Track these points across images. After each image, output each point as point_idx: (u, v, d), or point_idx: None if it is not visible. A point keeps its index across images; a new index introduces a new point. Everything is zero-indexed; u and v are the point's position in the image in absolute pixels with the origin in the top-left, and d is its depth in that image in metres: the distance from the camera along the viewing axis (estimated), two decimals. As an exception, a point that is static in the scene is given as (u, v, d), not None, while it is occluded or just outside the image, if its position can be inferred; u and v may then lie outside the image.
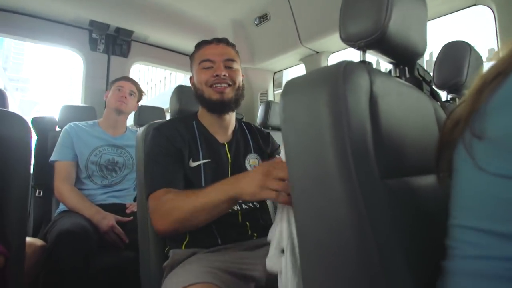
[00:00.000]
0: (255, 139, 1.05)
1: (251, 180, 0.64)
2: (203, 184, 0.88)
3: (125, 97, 1.53)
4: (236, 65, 0.96)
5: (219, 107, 0.93)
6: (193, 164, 0.90)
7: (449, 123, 0.45)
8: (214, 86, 0.91)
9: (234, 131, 1.02)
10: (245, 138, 1.03)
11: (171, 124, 0.94)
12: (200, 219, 0.74)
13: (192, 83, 1.01)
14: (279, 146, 1.11)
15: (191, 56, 1.02)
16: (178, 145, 0.89)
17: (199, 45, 0.99)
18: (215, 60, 0.93)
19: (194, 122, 0.98)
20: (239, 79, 0.96)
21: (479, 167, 0.38)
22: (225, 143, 0.97)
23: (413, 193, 0.51)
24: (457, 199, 0.42)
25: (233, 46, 1.01)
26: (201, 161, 0.91)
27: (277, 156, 1.07)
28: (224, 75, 0.91)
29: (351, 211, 0.42)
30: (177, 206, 0.75)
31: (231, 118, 0.99)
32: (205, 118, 0.98)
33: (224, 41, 0.99)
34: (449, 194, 0.44)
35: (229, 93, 0.93)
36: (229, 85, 0.92)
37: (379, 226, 0.42)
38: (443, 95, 1.01)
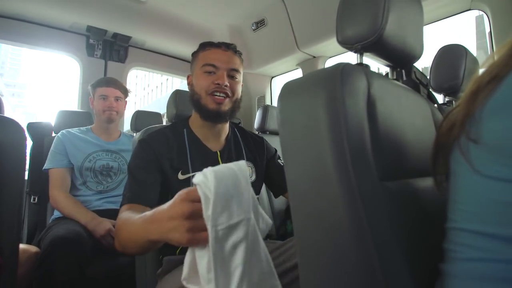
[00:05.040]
0: (248, 146, 1.02)
1: (160, 222, 0.50)
2: None
3: (113, 106, 1.49)
4: (239, 76, 0.93)
5: (214, 117, 0.90)
6: (182, 177, 0.86)
7: (445, 126, 0.44)
8: (213, 95, 0.88)
9: (227, 138, 0.99)
10: (238, 145, 1.00)
11: (159, 135, 0.90)
12: (133, 249, 0.64)
13: (190, 83, 0.96)
14: (276, 150, 1.09)
15: (195, 54, 0.96)
16: (163, 159, 0.86)
17: (205, 46, 0.94)
18: (219, 67, 0.89)
19: (184, 130, 0.94)
20: (239, 91, 0.93)
21: (476, 170, 0.37)
22: (217, 152, 0.94)
23: (412, 195, 0.50)
24: (456, 202, 0.42)
25: (239, 54, 0.96)
26: (191, 174, 0.87)
27: (278, 161, 1.05)
28: (225, 85, 0.87)
29: (350, 213, 0.41)
30: (123, 227, 0.66)
31: (223, 126, 0.96)
32: (197, 125, 0.95)
33: (232, 48, 0.94)
34: (447, 197, 0.44)
35: (227, 105, 0.89)
36: (228, 96, 0.89)
37: (377, 228, 0.41)
38: (440, 98, 1.01)
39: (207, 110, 0.89)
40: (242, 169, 0.48)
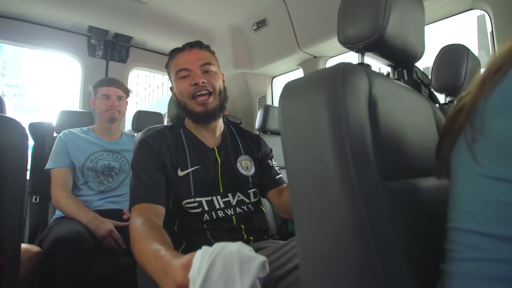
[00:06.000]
0: (244, 140, 1.03)
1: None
2: (192, 193, 0.87)
3: (115, 106, 1.50)
4: (213, 68, 0.93)
5: (204, 118, 0.91)
6: (182, 173, 0.88)
7: (454, 111, 0.44)
8: (196, 97, 0.89)
9: (223, 134, 1.00)
10: (234, 140, 1.01)
11: (157, 135, 0.92)
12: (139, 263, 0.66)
13: (173, 94, 0.98)
14: (271, 150, 1.08)
15: (167, 66, 0.99)
16: (163, 157, 0.87)
17: (172, 54, 0.96)
18: (190, 68, 0.90)
19: (181, 130, 0.96)
20: (219, 83, 0.93)
21: (477, 170, 0.37)
22: (215, 148, 0.95)
23: (414, 195, 0.50)
24: (456, 202, 0.42)
25: (207, 48, 0.97)
26: (190, 169, 0.89)
27: (268, 161, 1.03)
28: (203, 82, 0.88)
29: (351, 213, 0.41)
30: (139, 244, 0.67)
31: (217, 122, 0.97)
32: (192, 125, 0.97)
33: (197, 45, 0.95)
34: (448, 197, 0.44)
35: (213, 102, 0.90)
36: (210, 93, 0.90)
37: (379, 228, 0.41)
38: (441, 98, 1.01)
39: (195, 114, 0.91)
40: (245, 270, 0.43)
